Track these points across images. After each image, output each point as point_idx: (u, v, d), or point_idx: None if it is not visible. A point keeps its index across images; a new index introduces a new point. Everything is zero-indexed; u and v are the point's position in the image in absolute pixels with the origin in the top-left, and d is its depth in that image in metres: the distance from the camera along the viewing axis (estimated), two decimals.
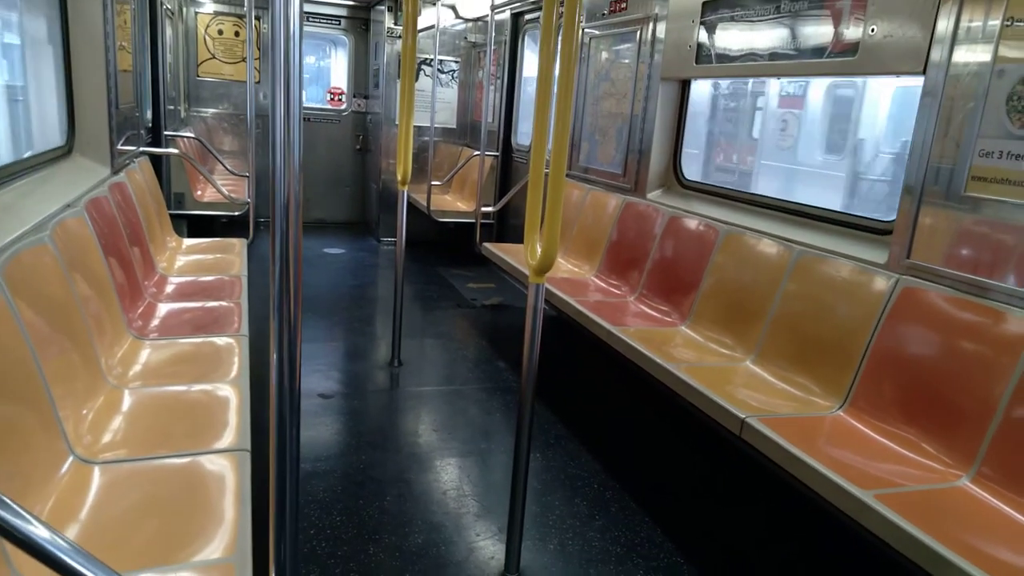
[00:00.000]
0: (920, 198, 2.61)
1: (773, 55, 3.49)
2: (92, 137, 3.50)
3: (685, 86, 4.36)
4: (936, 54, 2.56)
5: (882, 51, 2.84)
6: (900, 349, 2.55)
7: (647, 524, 2.80)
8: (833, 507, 2.08)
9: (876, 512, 1.92)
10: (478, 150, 6.25)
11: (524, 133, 6.87)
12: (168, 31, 6.13)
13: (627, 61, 4.68)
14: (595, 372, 4.45)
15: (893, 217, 2.78)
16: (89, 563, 0.97)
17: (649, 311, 3.86)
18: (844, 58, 3.05)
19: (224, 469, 1.92)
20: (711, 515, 2.96)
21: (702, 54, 3.98)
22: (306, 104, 8.03)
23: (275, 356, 1.05)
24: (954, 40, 2.50)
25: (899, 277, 2.65)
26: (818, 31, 3.19)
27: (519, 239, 5.73)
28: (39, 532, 0.96)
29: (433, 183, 6.51)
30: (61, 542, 0.96)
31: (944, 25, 2.53)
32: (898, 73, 2.92)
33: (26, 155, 2.99)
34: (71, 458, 1.84)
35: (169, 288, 3.52)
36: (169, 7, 6.34)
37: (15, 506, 0.96)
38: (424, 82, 7.31)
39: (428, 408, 3.81)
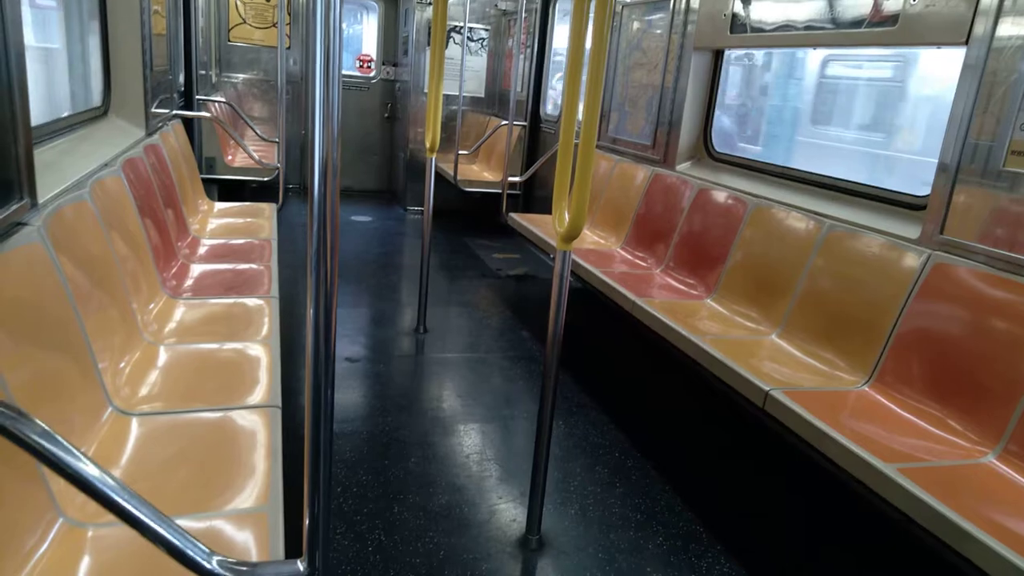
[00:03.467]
0: (956, 173, 2.56)
1: (810, 25, 3.42)
2: (128, 99, 3.55)
3: (718, 56, 4.30)
4: (980, 26, 2.50)
5: (923, 22, 2.78)
6: (929, 325, 2.53)
7: (667, 493, 2.83)
8: (856, 480, 2.08)
9: (899, 485, 1.92)
10: (506, 119, 6.23)
11: (553, 103, 6.82)
12: None
13: (659, 31, 4.62)
14: (619, 343, 4.47)
15: (927, 192, 2.74)
16: (134, 500, 1.01)
17: (675, 283, 3.86)
18: (883, 28, 2.99)
19: (255, 424, 1.97)
20: (731, 486, 2.98)
21: (737, 23, 3.91)
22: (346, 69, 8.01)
23: (311, 312, 1.08)
24: (999, 12, 2.43)
25: (931, 253, 2.61)
26: (857, 0, 3.12)
27: (545, 210, 5.74)
28: (89, 470, 1.01)
29: (460, 152, 6.50)
30: (109, 480, 1.01)
31: None
32: (939, 44, 2.86)
33: (64, 114, 3.05)
34: (110, 409, 1.90)
35: (201, 249, 3.58)
36: None
37: (67, 444, 1.00)
38: (453, 50, 7.27)
39: (452, 374, 3.86)
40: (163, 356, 2.32)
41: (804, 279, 3.09)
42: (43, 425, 1.02)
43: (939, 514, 1.81)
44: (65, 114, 3.02)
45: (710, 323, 3.28)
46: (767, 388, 2.47)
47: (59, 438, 1.00)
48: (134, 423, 1.89)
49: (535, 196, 6.90)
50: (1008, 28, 2.40)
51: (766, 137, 6.35)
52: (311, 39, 1.06)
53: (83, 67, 3.40)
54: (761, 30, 3.77)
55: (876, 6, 3.03)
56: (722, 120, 6.29)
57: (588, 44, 2.02)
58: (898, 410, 2.45)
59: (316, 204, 1.08)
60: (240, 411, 2.02)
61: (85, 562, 1.40)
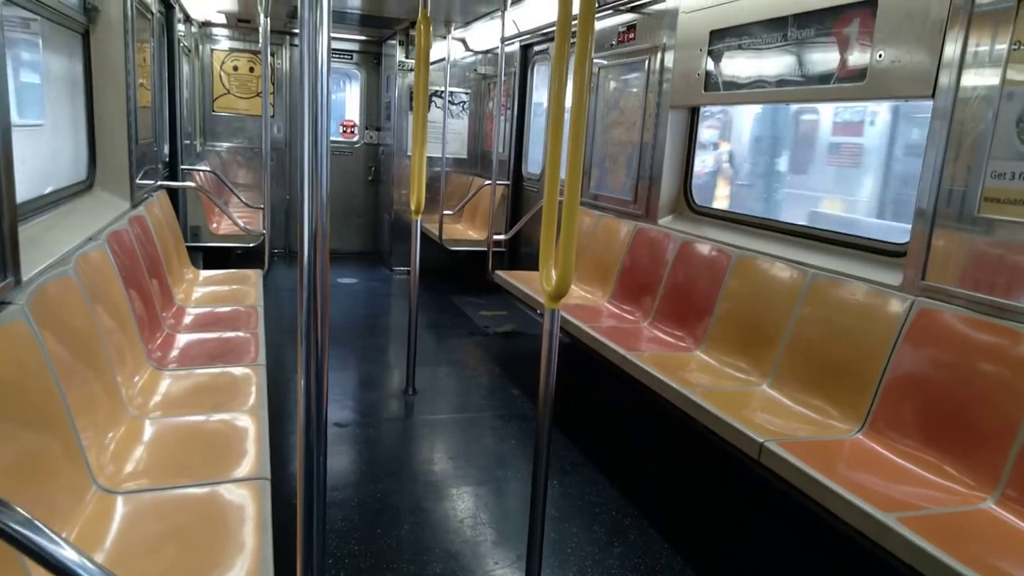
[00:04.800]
0: (933, 220, 2.62)
1: (781, 81, 3.53)
2: (113, 172, 3.58)
3: (694, 113, 4.41)
4: (944, 78, 2.59)
5: (890, 76, 2.87)
6: (918, 371, 2.54)
7: (667, 550, 2.77)
8: (855, 531, 2.05)
9: (899, 535, 1.90)
10: (489, 179, 6.31)
11: (534, 162, 6.94)
12: (185, 68, 6.26)
13: (635, 90, 4.74)
14: (610, 398, 4.44)
15: (906, 239, 2.79)
16: None
17: (663, 336, 3.86)
18: (852, 83, 3.09)
19: (244, 498, 1.92)
20: (731, 540, 2.92)
21: (710, 82, 4.03)
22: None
23: (303, 383, 1.07)
24: (962, 64, 2.52)
25: (914, 299, 2.64)
26: (825, 57, 3.23)
27: (531, 266, 5.77)
28: (69, 555, 0.98)
29: (445, 212, 6.57)
30: (90, 565, 0.98)
31: (952, 50, 2.56)
32: (906, 98, 2.95)
33: (48, 190, 3.05)
34: (94, 488, 1.85)
35: (187, 319, 3.55)
36: (186, 44, 6.49)
37: (47, 530, 0.97)
38: (435, 113, 7.41)
39: (443, 436, 3.81)
40: (148, 430, 2.28)
41: (791, 328, 3.11)
42: (24, 514, 0.99)
43: (940, 563, 1.78)
44: (49, 190, 3.03)
45: (700, 375, 3.27)
46: (761, 440, 2.45)
47: (40, 526, 0.98)
48: (119, 502, 1.84)
49: (520, 253, 6.95)
50: (972, 79, 2.49)
51: None
52: (299, 113, 1.08)
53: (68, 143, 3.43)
54: (734, 87, 3.88)
55: (844, 62, 3.14)
56: None
57: (568, 104, 2.07)
58: (893, 457, 2.44)
59: (306, 272, 1.08)
60: (228, 485, 1.97)
61: None
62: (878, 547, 1.97)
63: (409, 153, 7.10)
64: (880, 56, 2.91)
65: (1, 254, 1.76)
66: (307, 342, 1.08)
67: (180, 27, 5.86)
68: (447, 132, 7.02)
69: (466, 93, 7.97)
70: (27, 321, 1.80)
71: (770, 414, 2.81)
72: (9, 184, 1.82)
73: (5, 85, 1.83)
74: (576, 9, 1.97)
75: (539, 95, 6.88)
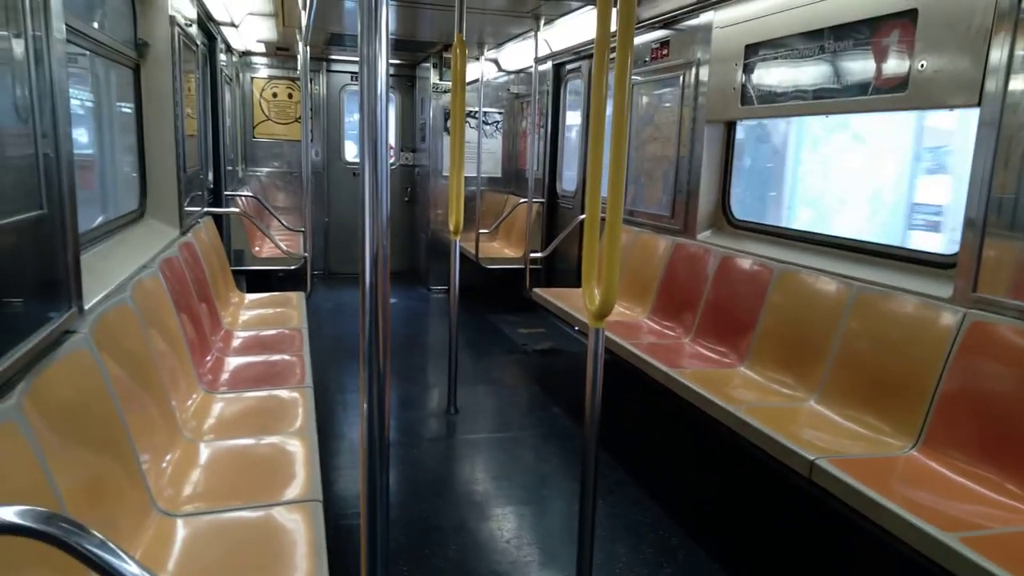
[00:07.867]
0: (984, 230, 2.56)
1: (818, 93, 3.50)
2: (162, 200, 3.69)
3: (731, 127, 4.39)
4: (991, 85, 2.55)
5: (933, 85, 2.83)
6: (973, 385, 2.47)
7: (716, 572, 2.73)
8: (913, 551, 2.00)
9: (962, 556, 1.85)
10: (524, 197, 6.35)
11: (568, 179, 6.96)
12: (227, 96, 6.44)
13: (670, 105, 4.74)
14: (653, 415, 4.40)
15: (955, 250, 2.73)
16: None
17: (705, 352, 3.83)
18: (893, 94, 3.05)
19: (297, 521, 1.95)
20: (781, 561, 2.87)
21: (746, 95, 4.01)
22: (356, 158, 8.32)
23: (365, 407, 1.09)
24: (1009, 70, 2.48)
25: (967, 311, 2.58)
26: (864, 67, 3.20)
27: (565, 283, 5.76)
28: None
29: (481, 231, 6.61)
30: None
31: (997, 56, 2.51)
32: (952, 106, 2.90)
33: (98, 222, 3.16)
34: (155, 511, 1.90)
35: (235, 342, 3.63)
36: (227, 74, 6.67)
37: (121, 552, 1.00)
38: (470, 133, 7.49)
39: (485, 455, 3.81)
40: (203, 453, 2.33)
41: (838, 343, 3.06)
42: (100, 536, 1.03)
43: None
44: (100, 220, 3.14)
45: (745, 391, 3.23)
46: (812, 457, 2.41)
47: (116, 548, 1.01)
48: (179, 524, 1.89)
49: (555, 269, 6.96)
50: (1020, 84, 2.44)
51: None
52: (361, 136, 1.10)
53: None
54: (770, 100, 3.86)
55: (885, 72, 3.10)
56: None
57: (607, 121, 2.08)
58: (950, 474, 2.38)
59: (368, 295, 1.10)
60: (281, 507, 2.00)
61: None
62: (938, 567, 1.92)
63: (444, 173, 7.18)
64: (922, 66, 2.87)
65: (66, 285, 1.83)
66: (369, 366, 1.10)
67: (222, 57, 6.04)
68: (482, 152, 7.08)
69: (499, 112, 8.04)
70: (90, 348, 1.86)
71: (819, 430, 2.76)
72: (72, 217, 1.89)
73: (68, 121, 1.90)
74: (614, 27, 1.99)
75: (572, 114, 6.91)
